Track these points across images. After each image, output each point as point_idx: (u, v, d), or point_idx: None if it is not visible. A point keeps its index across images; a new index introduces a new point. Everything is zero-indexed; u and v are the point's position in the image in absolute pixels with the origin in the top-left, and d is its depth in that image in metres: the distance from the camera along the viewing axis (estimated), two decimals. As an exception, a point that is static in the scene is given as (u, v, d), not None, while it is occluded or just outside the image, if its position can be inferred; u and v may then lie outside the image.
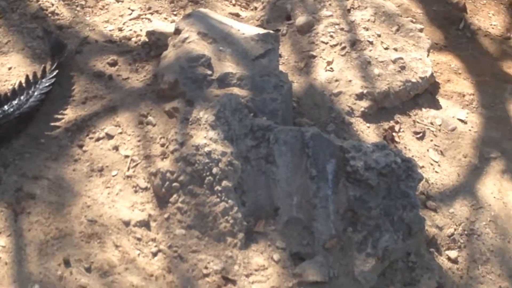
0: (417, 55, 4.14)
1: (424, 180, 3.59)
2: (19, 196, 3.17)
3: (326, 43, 4.09)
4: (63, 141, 3.42)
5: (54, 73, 3.61)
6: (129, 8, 4.17)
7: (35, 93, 3.50)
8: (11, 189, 3.19)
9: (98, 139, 3.44)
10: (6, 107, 3.42)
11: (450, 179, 3.78)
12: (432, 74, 4.13)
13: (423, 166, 3.76)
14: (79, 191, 3.24)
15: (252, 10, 4.41)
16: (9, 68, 3.69)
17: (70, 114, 3.54)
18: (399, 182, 3.29)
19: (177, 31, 3.76)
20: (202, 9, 4.00)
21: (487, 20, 4.88)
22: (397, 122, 3.94)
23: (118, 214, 3.18)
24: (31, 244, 3.01)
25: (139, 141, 3.44)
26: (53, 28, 3.94)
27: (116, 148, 3.41)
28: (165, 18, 4.16)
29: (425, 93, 4.13)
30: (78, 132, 3.46)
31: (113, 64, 3.80)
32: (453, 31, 4.72)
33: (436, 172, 3.79)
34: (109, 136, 3.45)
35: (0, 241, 3.01)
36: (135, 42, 3.95)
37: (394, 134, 3.87)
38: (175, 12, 4.24)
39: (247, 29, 3.82)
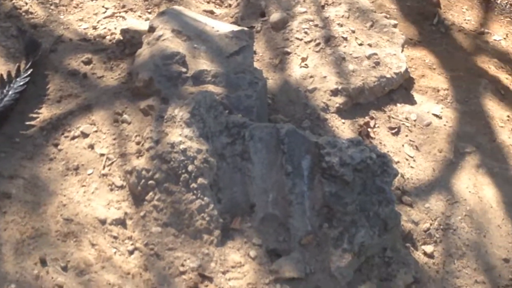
0: (392, 51, 4.16)
1: (399, 175, 3.62)
2: (-6, 196, 3.16)
3: (301, 40, 4.11)
4: (38, 140, 3.41)
5: (29, 72, 3.59)
6: (103, 6, 4.15)
7: (10, 92, 3.48)
8: (-14, 188, 3.19)
9: (73, 138, 3.43)
10: (-20, 106, 3.41)
11: (425, 174, 3.80)
12: (406, 69, 4.15)
13: (398, 162, 3.78)
14: (55, 190, 3.23)
15: (226, 7, 4.41)
16: (-17, 68, 3.68)
17: (45, 113, 3.53)
18: (374, 178, 3.30)
19: (151, 29, 3.75)
20: (176, 7, 4.01)
21: (461, 15, 4.91)
22: (372, 118, 3.95)
23: (94, 212, 3.18)
24: (7, 244, 3.00)
25: (114, 139, 3.43)
26: (27, 27, 3.92)
27: (91, 146, 3.41)
28: (140, 16, 4.16)
29: (400, 89, 4.15)
30: (53, 131, 3.45)
31: (88, 62, 3.79)
32: (427, 27, 4.74)
33: (412, 167, 3.81)
34: (85, 135, 3.44)
35: (-24, 241, 3.01)
36: (110, 40, 3.94)
37: (369, 129, 3.88)
38: (149, 10, 4.23)
39: (221, 26, 3.83)
